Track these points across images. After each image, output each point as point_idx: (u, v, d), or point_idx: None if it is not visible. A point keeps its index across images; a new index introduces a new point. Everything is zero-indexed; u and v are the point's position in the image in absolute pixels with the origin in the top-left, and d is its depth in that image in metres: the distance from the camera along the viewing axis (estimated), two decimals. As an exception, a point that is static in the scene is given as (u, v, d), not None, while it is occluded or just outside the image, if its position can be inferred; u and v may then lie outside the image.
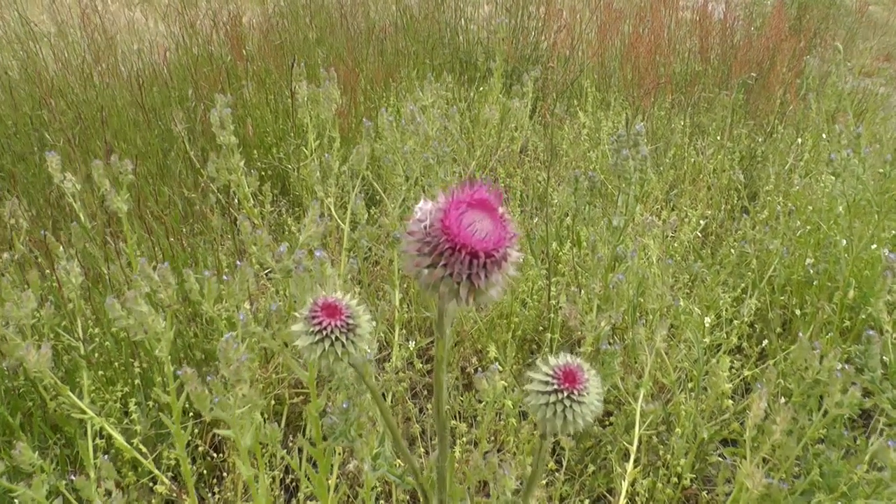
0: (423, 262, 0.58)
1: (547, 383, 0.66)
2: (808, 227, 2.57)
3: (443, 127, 2.77)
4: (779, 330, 2.40)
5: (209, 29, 4.13)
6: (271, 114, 3.47)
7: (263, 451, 1.88)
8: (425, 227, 0.59)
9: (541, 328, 2.39)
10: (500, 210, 0.60)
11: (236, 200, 2.74)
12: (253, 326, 1.26)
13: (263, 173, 3.27)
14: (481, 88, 4.14)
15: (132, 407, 1.84)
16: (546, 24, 4.77)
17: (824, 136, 3.45)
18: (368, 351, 0.69)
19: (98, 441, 1.83)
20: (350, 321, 0.66)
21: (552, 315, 2.24)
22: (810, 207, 2.69)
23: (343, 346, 0.65)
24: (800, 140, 3.50)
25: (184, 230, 2.83)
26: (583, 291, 2.30)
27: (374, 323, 0.68)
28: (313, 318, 0.65)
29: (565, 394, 0.65)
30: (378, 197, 3.07)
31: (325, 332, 0.65)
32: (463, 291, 0.58)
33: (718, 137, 3.60)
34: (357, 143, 3.24)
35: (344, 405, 1.28)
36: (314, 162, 2.69)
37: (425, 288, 0.59)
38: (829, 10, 6.04)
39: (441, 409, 0.71)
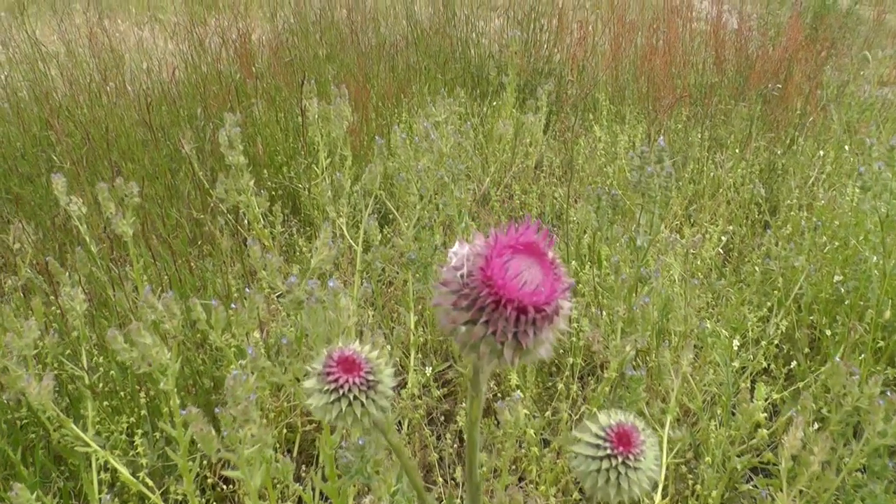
0: (461, 317, 0.50)
1: (598, 446, 0.58)
2: (837, 244, 2.49)
3: (456, 143, 2.71)
4: (806, 350, 2.31)
5: (218, 46, 4.09)
6: (282, 132, 3.42)
7: (275, 483, 1.81)
8: (462, 277, 0.50)
9: (561, 351, 2.31)
10: (551, 255, 0.52)
11: (246, 221, 2.68)
12: (262, 361, 1.19)
13: (274, 193, 3.21)
14: (494, 103, 4.07)
15: (137, 440, 1.77)
16: (558, 37, 4.71)
17: (847, 148, 3.36)
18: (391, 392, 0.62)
19: (103, 474, 1.76)
20: (370, 378, 0.58)
21: (573, 338, 2.16)
22: (836, 222, 2.61)
23: (362, 405, 0.57)
24: (822, 152, 3.42)
25: (192, 253, 2.78)
26: (605, 313, 2.22)
27: (395, 378, 0.60)
28: (328, 374, 0.58)
29: (620, 459, 0.57)
30: (391, 215, 3.00)
31: (341, 392, 0.57)
32: (508, 352, 0.50)
33: (737, 150, 3.52)
34: (369, 160, 3.18)
35: (360, 441, 1.21)
36: (325, 181, 2.62)
37: (462, 347, 0.51)
38: (845, 19, 5.96)
39: (474, 471, 0.63)
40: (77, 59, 4.26)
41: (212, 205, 2.90)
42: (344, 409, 0.57)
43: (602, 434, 0.58)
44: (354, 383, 0.58)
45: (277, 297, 2.41)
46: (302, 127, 3.21)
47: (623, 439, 0.57)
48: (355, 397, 0.57)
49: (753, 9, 6.15)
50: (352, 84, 3.52)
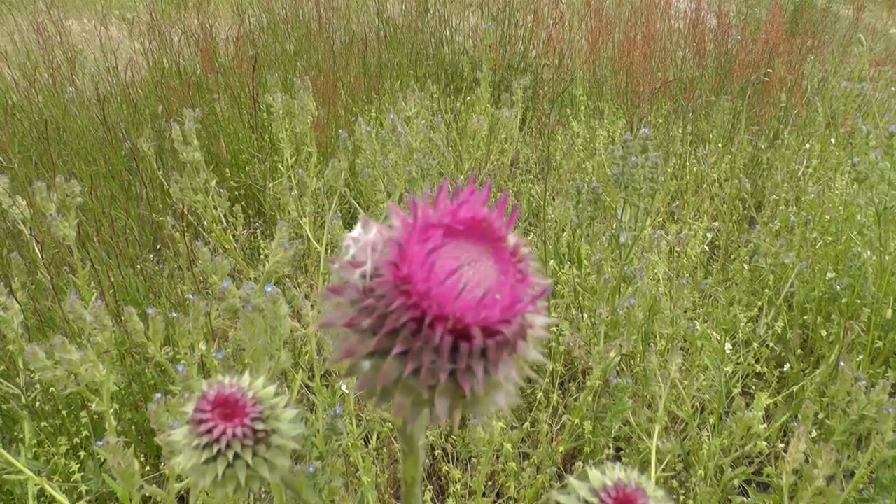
0: (362, 347, 0.31)
1: None
2: (830, 239, 2.37)
3: (427, 138, 2.56)
4: (798, 352, 2.19)
5: (180, 40, 3.93)
6: (246, 129, 3.26)
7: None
8: (364, 277, 0.31)
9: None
10: (512, 240, 0.33)
11: (205, 223, 2.52)
12: (195, 380, 1.04)
13: (237, 193, 3.05)
14: (468, 99, 3.93)
15: (74, 465, 1.61)
16: (534, 33, 4.58)
17: (832, 140, 3.26)
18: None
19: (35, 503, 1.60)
20: (259, 426, 0.41)
21: (553, 343, 2.03)
22: (827, 217, 2.49)
23: (248, 466, 0.40)
24: (808, 145, 3.31)
25: (149, 257, 2.62)
26: (586, 316, 2.09)
27: (301, 421, 0.43)
28: (201, 422, 0.42)
29: None
30: (359, 215, 2.85)
31: (218, 448, 0.40)
32: (440, 405, 0.30)
33: (720, 145, 3.40)
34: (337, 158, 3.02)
35: (311, 469, 1.06)
36: (288, 179, 2.48)
37: (368, 395, 0.31)
38: (824, 15, 5.90)
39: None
40: (32, 57, 4.09)
41: (172, 206, 2.75)
42: (221, 473, 0.40)
43: (595, 501, 0.39)
44: (235, 435, 0.41)
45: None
46: (256, 122, 3.05)
47: (624, 507, 0.40)
48: (237, 455, 0.40)
49: (730, 7, 6.07)
50: (320, 79, 3.36)
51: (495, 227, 0.33)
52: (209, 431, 0.40)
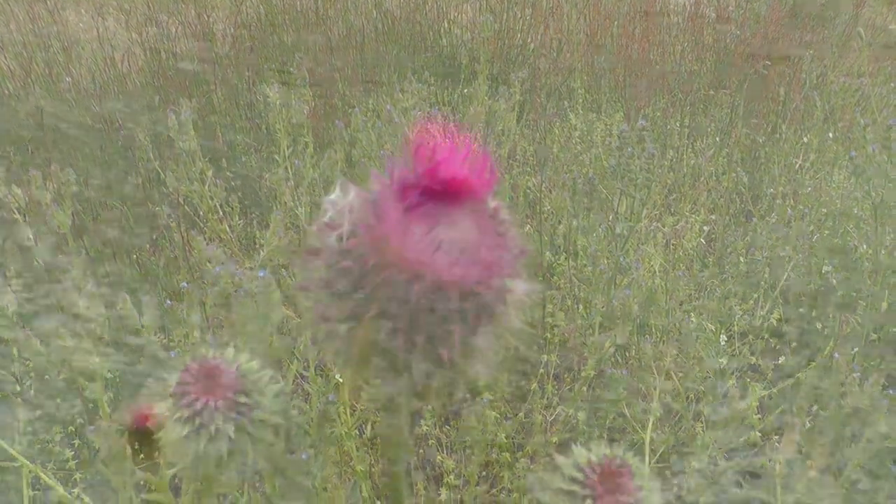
0: (338, 310, 0.30)
1: (573, 494, 0.37)
2: (826, 232, 2.37)
3: (424, 129, 2.56)
4: (794, 344, 2.19)
5: (176, 30, 3.92)
6: (242, 120, 3.26)
7: (222, 498, 1.66)
8: (341, 239, 0.30)
9: (534, 347, 2.17)
10: (491, 203, 0.32)
11: (201, 213, 2.52)
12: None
13: (233, 183, 3.05)
14: (466, 91, 3.93)
15: (68, 453, 1.61)
16: (532, 25, 4.57)
17: (831, 134, 3.26)
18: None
19: (30, 491, 1.60)
20: (242, 399, 0.40)
21: (547, 334, 2.03)
22: (824, 210, 2.49)
23: (230, 440, 0.39)
24: (805, 139, 3.31)
25: (147, 246, 2.62)
26: (581, 307, 2.09)
27: (286, 393, 0.43)
28: (183, 394, 0.41)
29: None
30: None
31: (200, 420, 0.40)
32: (418, 369, 0.28)
33: (717, 138, 3.40)
34: (335, 150, 3.02)
35: (304, 456, 1.06)
36: (284, 170, 2.47)
37: (346, 362, 0.30)
38: (822, 8, 5.90)
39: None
40: (29, 47, 4.09)
41: (168, 196, 2.74)
42: (203, 447, 0.40)
43: (580, 476, 0.37)
44: (217, 408, 0.39)
45: (235, 292, 2.25)
46: (252, 110, 3.04)
47: (609, 482, 0.36)
48: (217, 429, 0.39)
49: (730, 1, 6.06)
50: (318, 72, 3.36)
51: (475, 188, 0.32)
52: (191, 404, 0.40)
